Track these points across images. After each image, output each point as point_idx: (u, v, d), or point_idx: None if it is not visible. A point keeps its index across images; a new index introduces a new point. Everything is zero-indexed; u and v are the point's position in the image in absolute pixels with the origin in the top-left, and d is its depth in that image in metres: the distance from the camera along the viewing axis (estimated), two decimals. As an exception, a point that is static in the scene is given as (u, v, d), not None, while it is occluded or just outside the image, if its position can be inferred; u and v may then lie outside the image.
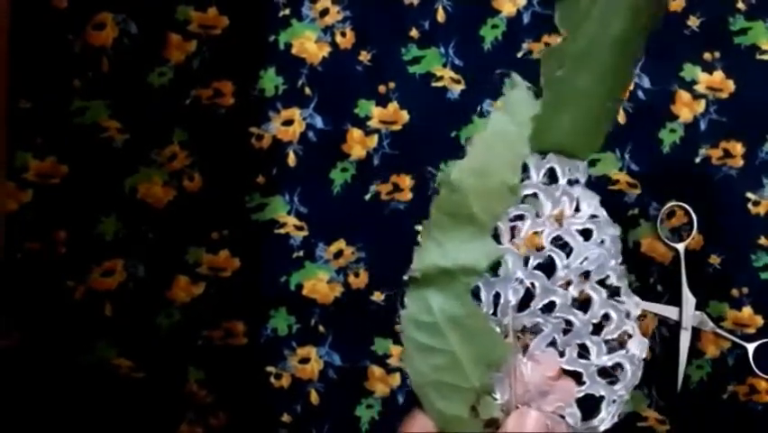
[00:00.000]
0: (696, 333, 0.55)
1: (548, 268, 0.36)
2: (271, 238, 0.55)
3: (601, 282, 0.36)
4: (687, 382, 0.55)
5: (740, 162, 0.57)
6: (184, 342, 0.54)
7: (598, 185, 0.56)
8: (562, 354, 0.36)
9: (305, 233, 0.56)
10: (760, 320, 0.56)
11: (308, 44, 0.57)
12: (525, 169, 0.36)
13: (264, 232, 0.55)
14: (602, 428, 0.36)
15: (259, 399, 0.54)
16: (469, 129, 0.56)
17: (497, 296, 0.36)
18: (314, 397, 0.55)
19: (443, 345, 0.35)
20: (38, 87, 0.55)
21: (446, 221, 0.35)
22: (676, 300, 0.55)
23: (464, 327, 0.34)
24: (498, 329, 0.35)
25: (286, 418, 0.54)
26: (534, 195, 0.36)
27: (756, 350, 0.55)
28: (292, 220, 0.56)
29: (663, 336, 0.55)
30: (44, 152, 0.55)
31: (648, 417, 0.55)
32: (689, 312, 0.55)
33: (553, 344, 0.36)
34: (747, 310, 0.56)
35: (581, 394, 0.35)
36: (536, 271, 0.36)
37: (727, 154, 0.57)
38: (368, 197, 0.56)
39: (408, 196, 0.56)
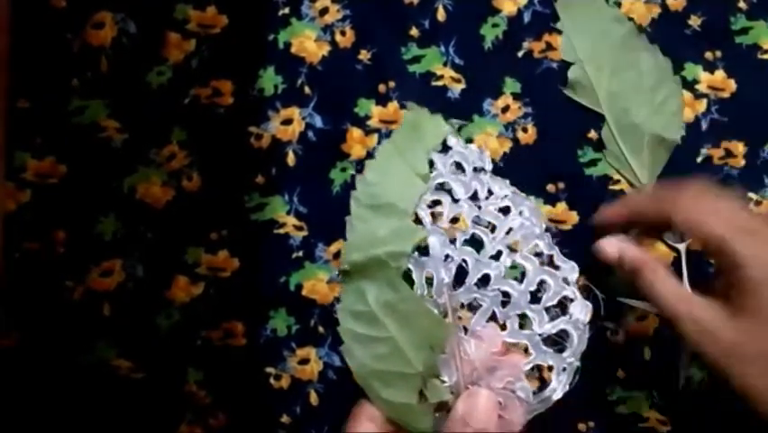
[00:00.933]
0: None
1: (476, 246, 0.37)
2: (271, 238, 0.55)
3: (532, 253, 0.37)
4: (688, 383, 0.55)
5: (742, 162, 0.57)
6: (183, 342, 0.54)
7: (597, 185, 0.56)
8: (503, 328, 0.36)
9: (304, 233, 0.55)
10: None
11: (308, 43, 0.57)
12: (432, 165, 0.38)
13: (263, 232, 0.55)
14: (555, 397, 0.36)
15: (258, 399, 0.54)
16: (469, 129, 0.56)
17: (429, 277, 0.36)
18: (313, 398, 0.55)
19: (381, 333, 0.35)
20: (36, 87, 0.55)
21: (368, 213, 0.37)
22: (677, 301, 0.55)
23: (400, 311, 0.35)
24: (435, 310, 0.36)
25: (285, 419, 0.54)
26: (446, 184, 0.38)
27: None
28: (292, 220, 0.56)
29: (665, 336, 0.55)
30: (43, 151, 0.54)
31: (649, 417, 0.55)
32: (690, 312, 0.54)
33: (493, 318, 0.36)
34: (749, 311, 0.56)
35: (529, 366, 0.36)
36: (466, 247, 0.37)
37: (729, 154, 0.57)
38: (368, 196, 0.56)
39: (408, 196, 0.56)
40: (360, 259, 0.36)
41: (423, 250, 0.37)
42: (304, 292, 0.55)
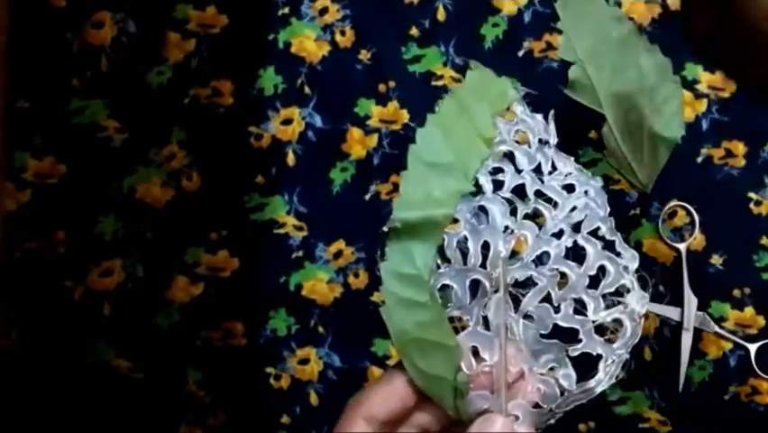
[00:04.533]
0: (698, 333, 0.55)
1: (535, 222, 0.35)
2: (271, 238, 0.55)
3: (593, 235, 0.35)
4: (689, 383, 0.55)
5: (742, 162, 0.57)
6: (183, 342, 0.54)
7: (599, 185, 0.56)
8: (557, 310, 0.34)
9: (304, 233, 0.55)
10: (762, 321, 0.56)
11: (308, 43, 0.57)
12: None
13: (263, 232, 0.55)
14: (599, 389, 0.34)
15: (258, 400, 0.54)
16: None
17: (485, 247, 0.34)
18: (313, 398, 0.55)
19: (426, 299, 0.33)
20: (36, 87, 0.55)
21: (425, 170, 0.34)
22: (678, 301, 0.55)
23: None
24: (487, 283, 0.34)
25: (285, 419, 0.54)
26: (510, 153, 0.36)
27: (758, 351, 0.55)
28: (291, 220, 0.55)
29: (665, 336, 0.55)
30: (43, 151, 0.54)
31: (650, 418, 0.55)
32: (690, 313, 0.54)
33: (547, 299, 0.34)
34: (749, 311, 0.56)
35: (578, 353, 0.34)
36: (526, 221, 0.35)
37: (729, 154, 0.57)
38: (368, 197, 0.56)
39: (408, 196, 0.56)
40: (412, 218, 0.34)
41: (480, 218, 0.34)
42: (304, 292, 0.55)
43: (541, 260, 0.35)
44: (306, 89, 0.57)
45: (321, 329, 0.55)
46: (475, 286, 0.34)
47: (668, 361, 0.55)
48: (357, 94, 0.57)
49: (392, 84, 0.57)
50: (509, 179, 0.35)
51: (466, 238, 0.34)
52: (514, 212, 0.35)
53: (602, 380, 0.34)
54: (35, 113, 0.55)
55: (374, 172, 0.56)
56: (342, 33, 0.57)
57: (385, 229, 0.34)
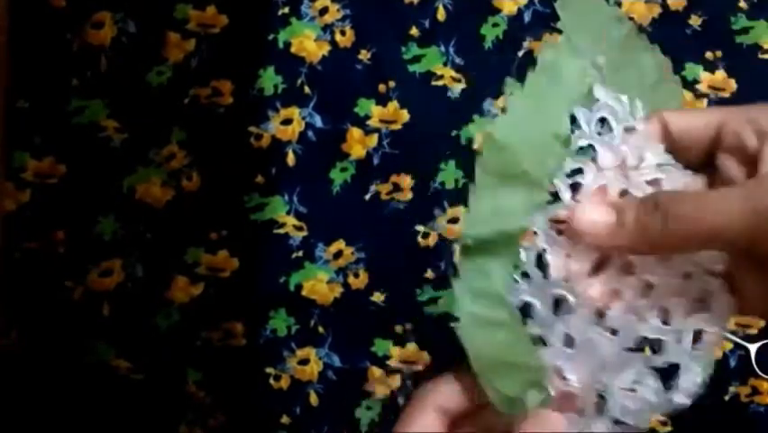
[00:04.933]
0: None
1: None
2: (270, 238, 0.55)
3: None
4: (689, 384, 0.55)
5: (742, 162, 0.57)
6: (183, 343, 0.54)
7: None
8: (642, 321, 0.32)
9: (304, 233, 0.55)
10: (762, 321, 0.56)
11: (308, 43, 0.57)
12: (574, 121, 0.33)
13: (263, 232, 0.55)
14: (686, 401, 0.32)
15: (258, 400, 0.54)
16: (469, 128, 0.56)
17: (567, 261, 0.32)
18: (313, 398, 0.54)
19: (505, 317, 0.31)
20: (36, 87, 0.55)
21: (495, 182, 0.32)
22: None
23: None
24: (570, 298, 0.31)
25: (285, 419, 0.54)
26: (591, 147, 0.32)
27: (759, 351, 0.55)
28: (291, 220, 0.55)
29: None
30: (42, 151, 0.54)
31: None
32: (690, 313, 0.54)
33: (631, 309, 0.32)
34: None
35: (662, 363, 0.32)
36: None
37: (729, 154, 0.57)
38: (368, 197, 0.56)
39: (408, 195, 0.56)
40: (483, 233, 0.31)
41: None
42: (304, 292, 0.55)
43: (626, 269, 0.32)
44: (306, 89, 0.57)
45: (321, 329, 0.55)
46: (558, 301, 0.32)
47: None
48: (357, 94, 0.57)
49: (392, 84, 0.57)
50: (590, 180, 0.32)
51: (545, 251, 0.32)
52: None
53: (688, 389, 0.33)
54: (35, 113, 0.55)
55: (374, 172, 0.56)
56: (343, 33, 0.57)
57: (456, 247, 0.32)
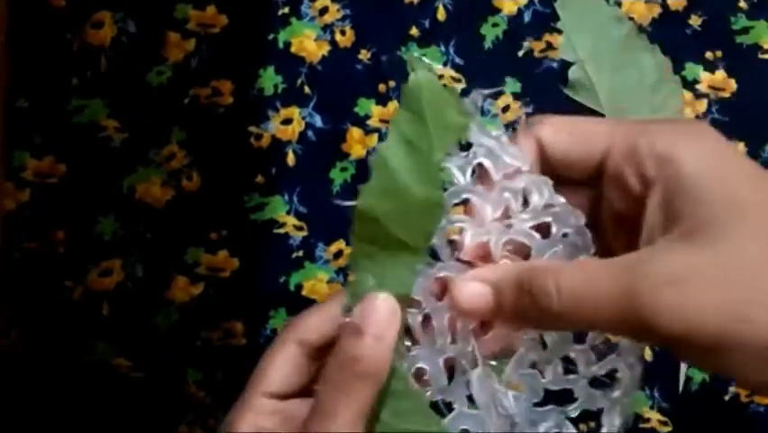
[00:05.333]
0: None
1: None
2: (271, 238, 0.55)
3: None
4: (689, 384, 0.54)
5: (742, 162, 0.57)
6: (183, 342, 0.54)
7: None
8: (543, 374, 0.31)
9: (304, 233, 0.55)
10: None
11: (308, 43, 0.57)
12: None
13: (263, 232, 0.55)
14: None
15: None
16: (469, 128, 0.56)
17: (452, 321, 0.30)
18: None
19: (402, 386, 0.30)
20: (36, 86, 0.55)
21: (374, 250, 0.30)
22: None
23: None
24: (462, 360, 0.30)
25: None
26: (467, 201, 0.30)
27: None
28: (291, 220, 0.55)
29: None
30: (42, 151, 0.54)
31: (650, 418, 0.54)
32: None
33: (533, 364, 0.31)
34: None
35: (576, 413, 0.31)
36: None
37: (729, 154, 0.57)
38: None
39: (408, 195, 0.56)
40: None
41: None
42: (304, 292, 0.55)
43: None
44: (306, 89, 0.56)
45: (321, 329, 0.55)
46: (453, 364, 0.31)
47: (668, 361, 0.54)
48: (357, 94, 0.57)
49: (392, 84, 0.57)
50: (470, 237, 0.30)
51: (428, 316, 0.30)
52: None
53: (609, 430, 0.32)
54: (35, 112, 0.55)
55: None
56: (343, 33, 0.57)
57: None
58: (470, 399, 0.31)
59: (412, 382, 0.30)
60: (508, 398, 0.31)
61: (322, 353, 0.30)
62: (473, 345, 0.30)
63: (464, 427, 0.30)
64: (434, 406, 0.31)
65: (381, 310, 0.29)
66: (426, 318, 0.30)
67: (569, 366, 0.31)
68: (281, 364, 0.31)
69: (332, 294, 0.32)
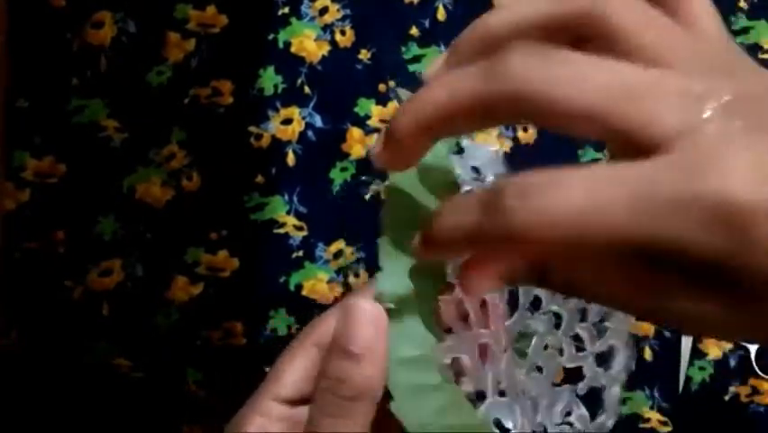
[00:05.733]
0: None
1: None
2: (270, 238, 0.55)
3: None
4: (689, 384, 0.55)
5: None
6: (183, 342, 0.54)
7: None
8: (561, 353, 0.32)
9: (304, 233, 0.55)
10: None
11: (308, 43, 0.57)
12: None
13: (263, 232, 0.55)
14: (610, 423, 0.33)
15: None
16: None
17: (483, 305, 0.31)
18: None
19: (438, 380, 0.29)
20: (36, 86, 0.55)
21: (404, 234, 0.29)
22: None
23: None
24: (494, 344, 0.31)
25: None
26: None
27: (758, 351, 0.55)
28: (291, 220, 0.55)
29: (665, 336, 0.55)
30: (42, 151, 0.54)
31: (650, 418, 0.54)
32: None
33: (545, 345, 0.32)
34: None
35: (585, 390, 0.32)
36: None
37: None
38: (368, 196, 0.56)
39: (408, 195, 0.56)
40: (402, 291, 0.29)
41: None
42: (304, 292, 0.55)
43: (535, 305, 0.32)
44: (306, 89, 0.56)
45: (321, 329, 0.55)
46: (483, 350, 0.31)
47: (668, 361, 0.55)
48: (357, 94, 0.56)
49: (392, 84, 0.57)
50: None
51: (461, 301, 0.30)
52: None
53: (610, 411, 0.33)
54: (35, 112, 0.55)
55: (374, 172, 0.56)
56: (343, 33, 0.57)
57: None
58: (499, 386, 0.31)
59: (447, 375, 0.30)
60: (530, 382, 0.31)
61: None
62: (502, 329, 0.31)
63: (497, 415, 0.31)
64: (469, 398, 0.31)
65: (364, 322, 0.27)
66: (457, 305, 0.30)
67: (578, 345, 0.31)
68: (297, 369, 0.30)
69: (347, 299, 0.31)
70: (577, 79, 0.21)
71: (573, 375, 0.32)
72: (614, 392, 0.32)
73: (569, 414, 0.32)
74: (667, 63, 0.22)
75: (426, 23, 0.57)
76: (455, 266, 0.29)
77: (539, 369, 0.32)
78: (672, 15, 0.25)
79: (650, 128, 0.21)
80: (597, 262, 0.23)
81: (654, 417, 0.55)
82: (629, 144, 0.21)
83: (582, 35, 0.23)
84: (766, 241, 0.19)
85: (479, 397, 0.31)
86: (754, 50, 0.58)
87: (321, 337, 0.29)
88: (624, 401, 0.54)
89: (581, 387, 0.32)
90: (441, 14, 0.57)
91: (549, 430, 0.31)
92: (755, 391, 0.55)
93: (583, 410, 0.32)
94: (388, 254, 0.29)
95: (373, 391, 0.27)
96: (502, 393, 0.31)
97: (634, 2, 0.23)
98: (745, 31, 0.58)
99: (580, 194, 0.21)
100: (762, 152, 0.20)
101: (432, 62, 0.27)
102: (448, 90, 0.23)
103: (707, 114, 0.21)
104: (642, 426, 0.54)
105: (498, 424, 0.31)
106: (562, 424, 0.32)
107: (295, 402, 0.30)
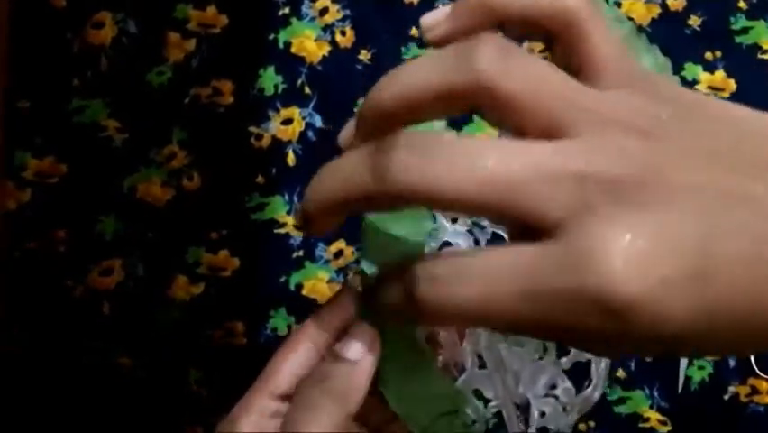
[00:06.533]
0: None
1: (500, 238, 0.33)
2: (271, 238, 0.55)
3: None
4: (688, 383, 0.54)
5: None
6: (183, 342, 0.54)
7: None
8: None
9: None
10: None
11: (308, 43, 0.57)
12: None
13: (264, 232, 0.55)
14: (597, 394, 0.33)
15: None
16: (470, 127, 0.56)
17: None
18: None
19: (417, 355, 0.30)
20: (37, 87, 0.55)
21: (384, 216, 0.31)
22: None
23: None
24: None
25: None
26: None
27: (758, 351, 0.55)
28: (292, 220, 0.55)
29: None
30: (43, 151, 0.54)
31: (649, 417, 0.54)
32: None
33: None
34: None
35: (570, 364, 0.32)
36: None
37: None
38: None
39: (408, 195, 0.56)
40: (383, 261, 0.30)
41: None
42: (304, 292, 0.55)
43: None
44: (307, 89, 0.56)
45: (321, 329, 0.55)
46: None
47: (668, 361, 0.54)
48: (357, 94, 0.56)
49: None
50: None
51: None
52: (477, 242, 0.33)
53: (597, 384, 0.33)
54: (36, 112, 0.55)
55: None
56: (343, 33, 0.57)
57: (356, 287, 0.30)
58: (480, 358, 0.31)
59: (425, 347, 0.31)
60: (512, 354, 0.31)
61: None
62: None
63: (477, 386, 0.31)
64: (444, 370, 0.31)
65: (361, 337, 0.28)
66: None
67: None
68: (292, 365, 0.30)
69: (292, 336, 0.32)
70: (458, 174, 0.22)
71: (562, 351, 0.33)
72: (602, 366, 0.33)
73: (554, 387, 0.32)
74: (562, 131, 0.23)
75: (426, 24, 0.57)
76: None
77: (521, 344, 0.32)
78: (578, 70, 0.25)
79: (535, 216, 0.22)
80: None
81: (654, 416, 0.54)
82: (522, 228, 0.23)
83: (477, 106, 0.24)
84: (647, 323, 0.20)
85: (460, 371, 0.31)
86: (753, 50, 0.58)
87: (277, 386, 0.30)
88: (623, 401, 0.54)
89: (566, 361, 0.32)
90: (441, 15, 0.57)
91: (532, 402, 0.32)
92: (755, 390, 0.55)
93: (568, 383, 0.32)
94: (372, 230, 0.30)
95: (350, 397, 0.28)
96: (483, 367, 0.31)
97: (525, 66, 0.23)
98: (744, 31, 0.58)
99: (480, 289, 0.22)
100: (640, 235, 0.21)
101: (345, 127, 0.28)
102: (341, 183, 0.25)
103: (589, 196, 0.21)
104: (641, 425, 0.54)
105: (481, 396, 0.31)
106: (546, 396, 0.32)
107: (290, 398, 0.30)
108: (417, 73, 0.24)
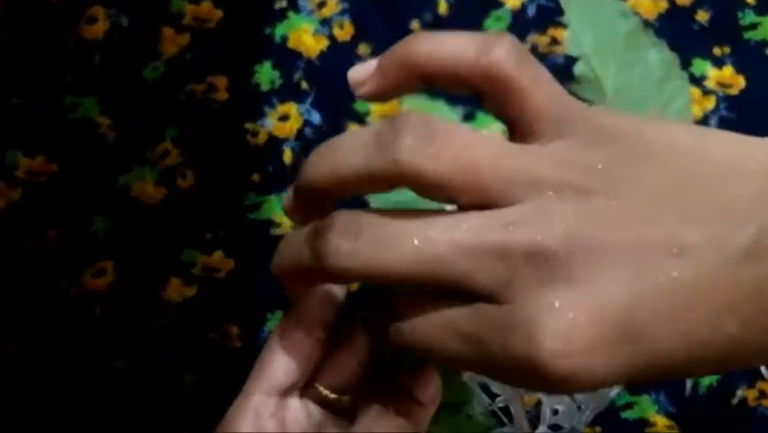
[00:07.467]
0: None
1: None
2: (267, 238, 0.55)
3: None
4: (696, 388, 0.54)
5: (751, 160, 0.56)
6: (178, 344, 0.54)
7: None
8: None
9: (302, 232, 0.55)
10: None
11: (305, 37, 0.57)
12: None
13: (260, 232, 0.55)
14: (612, 393, 0.34)
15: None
16: (471, 125, 0.55)
17: None
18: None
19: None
20: (28, 83, 0.54)
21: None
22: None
23: None
24: None
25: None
26: None
27: (767, 354, 0.54)
28: (288, 220, 0.55)
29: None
30: (35, 149, 0.54)
31: (656, 422, 0.54)
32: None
33: None
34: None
35: None
36: None
37: (738, 152, 0.56)
38: (367, 196, 0.55)
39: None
40: None
41: None
42: (301, 293, 0.54)
43: None
44: (304, 85, 0.56)
45: (319, 331, 0.54)
46: None
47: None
48: (356, 90, 0.56)
49: (392, 80, 0.56)
50: None
51: None
52: None
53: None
54: (27, 110, 0.54)
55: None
56: (341, 27, 0.57)
57: None
58: None
59: None
60: None
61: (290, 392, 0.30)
62: None
63: (483, 380, 0.32)
64: None
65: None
66: None
67: None
68: (285, 356, 0.30)
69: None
70: (387, 255, 0.24)
71: None
72: None
73: None
74: (495, 201, 0.24)
75: (428, 18, 0.57)
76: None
77: None
78: (512, 123, 0.26)
79: (466, 288, 0.23)
80: None
81: (661, 421, 0.54)
82: None
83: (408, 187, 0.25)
84: (577, 387, 0.22)
85: None
86: (762, 45, 0.58)
87: (270, 382, 0.31)
88: (630, 406, 0.54)
89: None
90: (443, 8, 0.57)
91: (544, 399, 0.32)
92: (763, 394, 0.55)
93: None
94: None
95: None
96: None
97: (450, 146, 0.24)
98: (753, 27, 0.58)
99: (431, 328, 0.24)
100: (568, 307, 0.22)
101: (288, 193, 0.29)
102: (295, 261, 0.28)
103: (514, 269, 0.22)
104: (648, 430, 0.54)
105: (486, 389, 0.32)
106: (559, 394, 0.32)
107: (286, 392, 0.30)
108: (345, 156, 0.26)
